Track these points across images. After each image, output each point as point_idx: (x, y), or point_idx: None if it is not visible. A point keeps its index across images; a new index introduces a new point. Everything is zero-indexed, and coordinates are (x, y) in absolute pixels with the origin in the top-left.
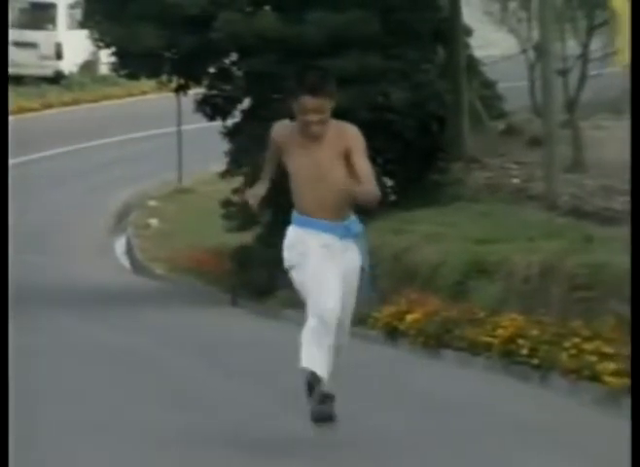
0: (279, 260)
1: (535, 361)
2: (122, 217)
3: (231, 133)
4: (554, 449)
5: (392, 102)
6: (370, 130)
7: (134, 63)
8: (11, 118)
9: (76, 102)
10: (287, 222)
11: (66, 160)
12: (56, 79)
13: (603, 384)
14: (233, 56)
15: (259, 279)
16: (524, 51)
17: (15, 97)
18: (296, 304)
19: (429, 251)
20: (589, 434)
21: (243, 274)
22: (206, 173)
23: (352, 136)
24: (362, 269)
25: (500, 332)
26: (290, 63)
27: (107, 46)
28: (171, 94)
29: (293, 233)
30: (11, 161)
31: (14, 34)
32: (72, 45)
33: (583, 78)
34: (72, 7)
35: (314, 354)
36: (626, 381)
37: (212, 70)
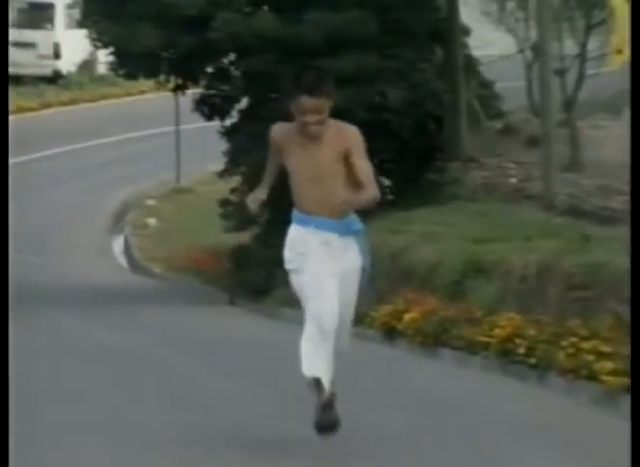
0: (277, 259)
1: (532, 360)
2: (120, 216)
3: (229, 133)
4: (552, 448)
5: (389, 102)
6: (367, 130)
7: (132, 63)
8: (9, 117)
9: (74, 102)
10: (285, 221)
11: (64, 159)
12: (55, 78)
13: (600, 384)
14: (232, 56)
15: (256, 279)
16: (522, 50)
17: (13, 97)
18: (293, 303)
19: (426, 251)
20: (587, 433)
21: (241, 274)
22: (204, 173)
23: (352, 136)
24: (362, 270)
25: (497, 331)
26: (288, 63)
27: (105, 45)
28: (169, 94)
29: (293, 231)
30: (9, 161)
31: (12, 34)
32: (70, 44)
33: (580, 77)
34: (70, 7)
35: (315, 362)
36: (624, 381)
37: (210, 70)
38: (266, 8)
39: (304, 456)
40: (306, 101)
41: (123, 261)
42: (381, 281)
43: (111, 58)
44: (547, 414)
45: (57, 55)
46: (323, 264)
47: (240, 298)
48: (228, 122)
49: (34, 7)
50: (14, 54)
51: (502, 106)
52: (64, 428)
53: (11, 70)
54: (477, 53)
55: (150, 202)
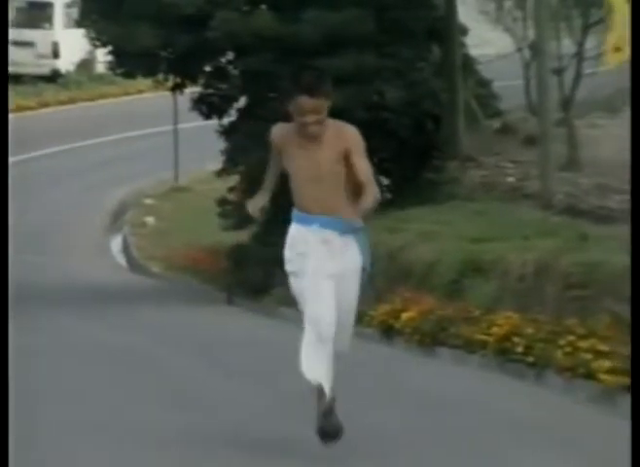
0: (275, 258)
1: (530, 359)
2: (118, 215)
3: (227, 132)
4: (549, 446)
5: (387, 101)
6: (365, 129)
7: (131, 62)
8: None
9: (72, 101)
10: (283, 221)
11: (63, 158)
12: (53, 78)
13: (598, 382)
14: (230, 55)
15: (254, 278)
16: (520, 49)
17: (12, 96)
18: (291, 302)
19: (424, 249)
20: (584, 432)
21: (239, 273)
22: (202, 172)
23: (351, 137)
24: (363, 270)
25: (495, 330)
26: (286, 62)
27: (103, 45)
28: (167, 93)
29: (294, 230)
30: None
31: (11, 33)
32: (69, 44)
33: (578, 76)
34: (69, 6)
35: (316, 366)
36: (621, 379)
37: (208, 69)
38: (264, 7)
39: (304, 456)
40: (305, 102)
41: (121, 260)
42: (379, 280)
43: (109, 57)
44: (544, 413)
45: (56, 55)
46: (322, 265)
47: (239, 297)
48: (226, 121)
49: (33, 6)
50: (12, 54)
51: (500, 105)
52: (64, 428)
53: (9, 69)
54: (474, 52)
55: (148, 201)
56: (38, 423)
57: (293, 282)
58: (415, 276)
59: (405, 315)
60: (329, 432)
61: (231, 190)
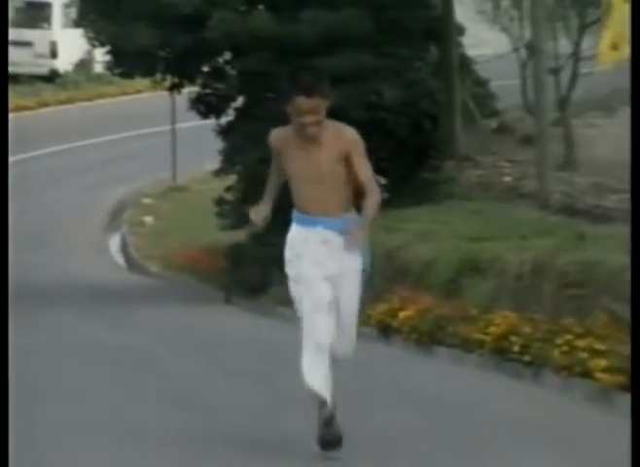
0: (273, 257)
1: (527, 358)
2: (116, 215)
3: (224, 132)
4: (547, 445)
5: (384, 100)
6: (363, 129)
7: (129, 62)
8: None
9: (71, 101)
10: (282, 221)
11: (62, 158)
12: (52, 77)
13: (595, 381)
14: (227, 55)
15: (252, 277)
16: (516, 49)
17: (10, 96)
18: (289, 301)
19: (421, 249)
20: (582, 431)
21: (237, 272)
22: (200, 171)
23: (351, 138)
24: (363, 271)
25: (492, 329)
26: (284, 62)
27: (102, 44)
28: (165, 93)
29: (294, 230)
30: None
31: (9, 33)
32: (67, 43)
33: (574, 76)
34: (67, 6)
35: (315, 374)
36: (618, 378)
37: (206, 69)
38: (261, 7)
39: (304, 456)
40: (303, 102)
41: (119, 259)
42: (377, 279)
43: (107, 57)
44: (541, 412)
45: (54, 54)
46: (319, 269)
47: (236, 296)
48: (223, 120)
49: (31, 6)
50: (11, 54)
51: (496, 105)
52: (64, 428)
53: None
54: (471, 51)
55: (146, 201)
56: (38, 423)
57: (293, 287)
58: (413, 275)
59: (402, 314)
60: (330, 441)
61: (228, 189)
